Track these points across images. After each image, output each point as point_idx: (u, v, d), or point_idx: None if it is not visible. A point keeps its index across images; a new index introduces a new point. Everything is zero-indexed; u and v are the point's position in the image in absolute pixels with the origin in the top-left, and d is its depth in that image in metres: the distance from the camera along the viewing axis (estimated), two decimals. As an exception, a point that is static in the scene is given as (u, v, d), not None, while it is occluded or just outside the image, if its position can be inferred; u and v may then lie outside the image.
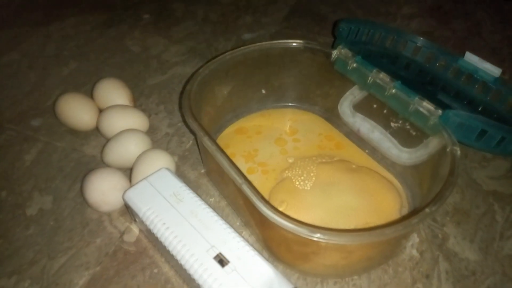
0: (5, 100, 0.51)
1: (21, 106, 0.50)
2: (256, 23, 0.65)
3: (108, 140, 0.43)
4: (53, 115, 0.47)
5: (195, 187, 0.41)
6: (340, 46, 0.42)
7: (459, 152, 0.33)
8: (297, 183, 0.39)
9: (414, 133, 0.39)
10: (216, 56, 0.42)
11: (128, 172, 0.41)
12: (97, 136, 0.46)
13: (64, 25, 0.65)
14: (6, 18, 0.66)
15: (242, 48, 0.43)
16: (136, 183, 0.36)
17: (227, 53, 0.42)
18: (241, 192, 0.30)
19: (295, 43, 0.44)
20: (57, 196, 0.41)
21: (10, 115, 0.49)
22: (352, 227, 0.36)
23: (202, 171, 0.43)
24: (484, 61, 0.47)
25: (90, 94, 0.48)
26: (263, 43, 0.44)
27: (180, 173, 0.43)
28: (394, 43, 0.53)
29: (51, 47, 0.60)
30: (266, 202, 0.28)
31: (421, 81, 0.52)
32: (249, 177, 0.31)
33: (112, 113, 0.45)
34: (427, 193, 0.35)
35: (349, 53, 0.42)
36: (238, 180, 0.30)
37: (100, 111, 0.46)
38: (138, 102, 0.51)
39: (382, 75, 0.40)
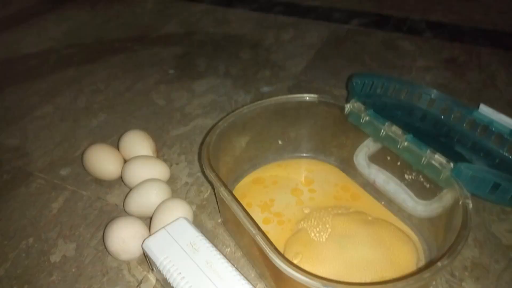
0: (37, 150, 0.55)
1: (51, 156, 0.54)
2: (274, 77, 0.68)
3: (130, 189, 0.45)
4: (81, 165, 0.50)
5: (211, 237, 0.42)
6: (353, 100, 0.44)
7: (471, 205, 0.33)
8: (313, 234, 0.40)
9: (428, 186, 0.40)
10: (235, 109, 0.44)
11: (148, 220, 0.42)
12: (121, 185, 0.48)
13: (95, 79, 0.70)
14: (43, 73, 0.72)
15: (259, 102, 0.46)
16: (155, 232, 0.37)
17: (245, 107, 0.45)
18: (256, 243, 0.31)
19: (309, 97, 0.46)
20: (80, 243, 0.42)
21: (41, 164, 0.52)
22: (367, 280, 0.36)
23: (219, 220, 0.44)
24: (499, 113, 0.48)
25: (116, 145, 0.51)
26: (279, 97, 0.47)
27: (197, 223, 0.44)
28: (408, 95, 0.54)
29: (82, 100, 0.64)
30: (280, 254, 0.29)
31: (437, 133, 0.52)
32: (265, 227, 0.32)
33: (136, 163, 0.47)
34: (442, 246, 0.34)
35: (362, 107, 0.43)
36: (253, 230, 0.31)
37: (125, 161, 0.49)
38: (161, 152, 0.53)
39: (394, 128, 0.41)
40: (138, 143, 0.50)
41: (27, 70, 0.73)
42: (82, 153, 0.50)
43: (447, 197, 0.37)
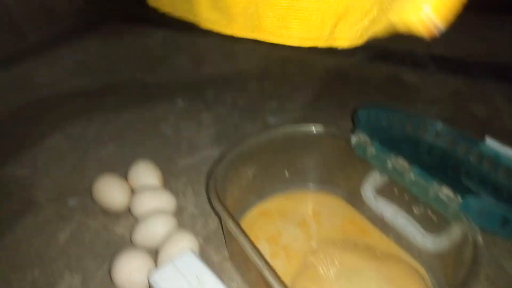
0: (47, 181, 0.55)
1: (60, 186, 0.54)
2: (280, 108, 0.69)
3: (137, 220, 0.45)
4: (89, 195, 0.50)
5: (218, 271, 0.42)
6: (359, 133, 0.45)
7: (481, 240, 0.32)
8: (321, 269, 0.39)
9: (436, 219, 0.39)
10: (242, 140, 0.45)
11: (155, 252, 0.42)
12: (128, 216, 0.48)
13: (105, 110, 0.71)
14: (54, 103, 0.74)
15: (266, 133, 0.46)
16: (161, 265, 0.37)
17: (252, 138, 0.45)
18: (264, 278, 0.31)
19: (316, 128, 0.47)
20: (86, 275, 0.42)
21: (50, 194, 0.53)
22: (377, 317, 0.35)
23: (226, 254, 0.44)
24: (506, 146, 0.48)
25: (125, 175, 0.52)
26: (286, 128, 0.47)
27: (204, 256, 0.43)
28: (414, 128, 0.55)
29: (92, 131, 0.66)
30: (288, 290, 0.29)
31: (444, 166, 0.52)
32: (272, 261, 0.32)
33: (143, 194, 0.47)
34: (453, 282, 0.34)
35: (368, 139, 0.44)
36: (260, 265, 0.31)
37: (133, 191, 0.49)
38: (168, 183, 0.54)
39: (401, 161, 0.41)
40: (146, 174, 0.50)
41: (40, 100, 0.75)
42: (91, 183, 0.50)
43: (456, 231, 0.37)
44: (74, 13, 1.18)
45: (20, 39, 1.02)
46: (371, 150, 0.43)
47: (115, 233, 0.47)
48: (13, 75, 0.86)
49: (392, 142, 0.53)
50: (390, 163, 0.42)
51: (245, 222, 0.46)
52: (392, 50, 0.89)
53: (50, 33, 1.06)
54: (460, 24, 1.04)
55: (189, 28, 1.03)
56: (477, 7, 1.14)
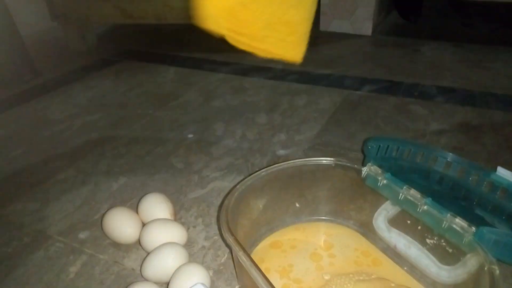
0: (58, 214, 0.55)
1: (71, 219, 0.54)
2: (290, 140, 0.70)
3: (148, 253, 0.45)
4: (100, 228, 0.50)
5: (229, 304, 0.41)
6: (370, 163, 0.45)
7: (498, 271, 0.32)
8: (334, 302, 0.38)
9: (451, 250, 0.39)
10: (252, 173, 0.45)
11: (165, 286, 0.42)
12: (138, 249, 0.48)
13: (117, 144, 0.72)
14: (67, 138, 0.75)
15: (276, 165, 0.47)
16: (172, 299, 0.36)
17: (262, 170, 0.46)
18: (275, 311, 0.30)
19: (326, 160, 0.47)
20: (95, 310, 0.41)
21: (60, 227, 0.53)
22: None
23: (237, 287, 0.43)
24: (518, 175, 0.48)
25: (135, 207, 0.52)
26: (296, 160, 0.48)
27: (215, 289, 0.43)
28: (424, 158, 0.55)
29: (104, 164, 0.66)
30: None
31: (455, 196, 0.52)
32: (284, 295, 0.31)
33: (153, 227, 0.47)
34: (472, 316, 0.33)
35: (379, 170, 0.44)
36: (272, 298, 0.31)
37: (143, 224, 0.49)
38: (178, 215, 0.54)
39: (413, 191, 0.41)
40: (156, 206, 0.51)
41: (53, 135, 0.77)
42: (102, 216, 0.50)
43: (471, 262, 0.36)
44: (88, 51, 1.23)
45: (36, 77, 1.06)
46: (383, 180, 0.43)
47: (125, 267, 0.46)
48: (28, 111, 0.88)
49: (403, 173, 0.53)
50: (402, 193, 0.42)
51: (256, 254, 0.45)
52: (399, 83, 0.91)
53: (64, 70, 1.10)
54: (465, 56, 1.06)
55: (199, 65, 1.06)
56: (480, 40, 1.16)
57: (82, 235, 0.51)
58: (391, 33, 1.29)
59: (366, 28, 1.26)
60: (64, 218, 0.55)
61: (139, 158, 0.67)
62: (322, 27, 1.32)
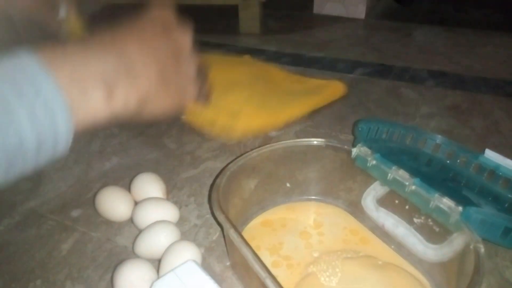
0: (50, 192, 0.56)
1: (64, 198, 0.54)
2: (282, 122, 0.70)
3: (140, 231, 0.45)
4: (92, 206, 0.51)
5: (220, 280, 0.42)
6: (360, 145, 0.45)
7: (483, 250, 0.33)
8: (323, 279, 0.39)
9: (438, 230, 0.40)
10: (244, 153, 0.46)
11: (157, 263, 0.42)
12: (131, 227, 0.49)
13: (109, 124, 0.72)
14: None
15: (268, 145, 0.47)
16: (163, 275, 0.37)
17: (254, 150, 0.46)
18: (265, 287, 0.31)
19: (316, 141, 0.48)
20: (88, 286, 0.42)
21: (53, 206, 0.53)
22: (379, 327, 0.35)
23: (228, 263, 0.44)
24: (505, 158, 0.49)
25: (128, 187, 0.52)
26: (288, 141, 0.48)
27: (206, 265, 0.43)
28: (413, 141, 0.56)
29: (96, 144, 0.66)
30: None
31: (443, 178, 0.53)
32: (274, 271, 0.32)
33: (146, 205, 0.48)
34: (455, 292, 0.34)
35: (369, 151, 0.44)
36: (262, 274, 0.31)
37: (136, 203, 0.49)
38: (171, 194, 0.54)
39: (401, 172, 0.42)
40: (149, 185, 0.51)
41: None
42: (94, 195, 0.50)
43: (457, 241, 0.37)
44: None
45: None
46: (372, 161, 0.44)
47: (117, 244, 0.47)
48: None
49: (392, 154, 0.54)
50: (390, 174, 0.42)
51: (247, 233, 0.46)
52: (390, 66, 0.91)
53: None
54: (456, 41, 1.06)
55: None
56: (472, 24, 1.17)
57: (75, 213, 0.52)
58: (384, 17, 1.28)
59: (360, 11, 1.25)
60: (57, 196, 0.55)
61: (132, 138, 0.67)
62: (316, 10, 1.31)
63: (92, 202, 0.51)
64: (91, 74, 0.28)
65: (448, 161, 0.53)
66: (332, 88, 0.72)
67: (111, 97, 0.30)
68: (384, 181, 0.44)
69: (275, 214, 0.49)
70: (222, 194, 0.40)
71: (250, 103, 0.65)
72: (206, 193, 0.54)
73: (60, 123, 0.26)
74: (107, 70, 0.29)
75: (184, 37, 0.38)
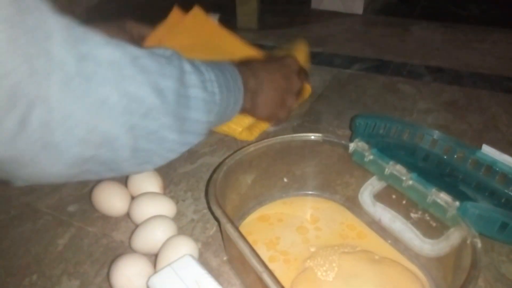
0: (46, 187, 0.55)
1: (60, 193, 0.54)
2: (279, 117, 0.70)
3: (137, 226, 0.45)
4: (89, 201, 0.50)
5: (217, 275, 0.42)
6: (357, 140, 0.45)
7: (479, 244, 0.33)
8: (319, 273, 0.39)
9: (435, 224, 0.40)
10: (241, 148, 0.45)
11: (154, 257, 0.42)
12: (127, 222, 0.49)
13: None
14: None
15: (265, 140, 0.47)
16: (160, 270, 0.37)
17: (251, 145, 0.46)
18: (263, 282, 0.31)
19: (314, 136, 0.48)
20: (84, 280, 0.42)
21: (49, 201, 0.53)
22: (376, 321, 0.35)
23: (224, 258, 0.44)
24: (502, 153, 0.49)
25: (124, 182, 0.52)
26: (285, 136, 0.48)
27: (203, 260, 0.43)
28: (411, 136, 0.56)
29: (92, 139, 0.66)
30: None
31: (440, 173, 0.53)
32: (271, 265, 0.32)
33: (142, 200, 0.47)
34: (452, 286, 0.34)
35: (366, 146, 0.44)
36: (259, 268, 0.31)
37: (132, 198, 0.49)
38: (168, 189, 0.54)
39: (399, 167, 0.42)
40: (146, 180, 0.51)
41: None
42: (90, 190, 0.50)
43: (454, 236, 0.37)
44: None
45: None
46: (370, 156, 0.44)
47: (114, 239, 0.47)
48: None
49: (389, 150, 0.54)
50: (387, 169, 0.42)
51: (244, 227, 0.46)
52: (388, 62, 0.91)
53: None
54: (454, 36, 1.06)
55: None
56: (471, 20, 1.16)
57: (71, 208, 0.51)
58: (382, 12, 1.28)
59: (358, 6, 1.25)
60: (53, 191, 0.54)
61: (127, 133, 0.67)
62: (314, 5, 1.30)
63: (88, 197, 0.51)
64: (249, 84, 0.51)
65: (445, 157, 0.53)
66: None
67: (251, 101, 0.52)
68: (381, 176, 0.44)
69: (272, 209, 0.49)
70: (219, 189, 0.40)
71: None
72: (203, 188, 0.54)
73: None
74: (252, 84, 0.51)
75: (297, 80, 0.59)
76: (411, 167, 0.42)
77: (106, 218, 0.49)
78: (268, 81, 0.53)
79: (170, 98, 0.35)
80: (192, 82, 0.38)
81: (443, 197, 0.38)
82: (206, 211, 0.50)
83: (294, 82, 0.58)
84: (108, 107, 0.30)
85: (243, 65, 0.51)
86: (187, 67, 0.38)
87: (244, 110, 0.51)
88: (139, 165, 0.38)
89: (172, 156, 0.40)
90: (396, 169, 0.42)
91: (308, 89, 0.73)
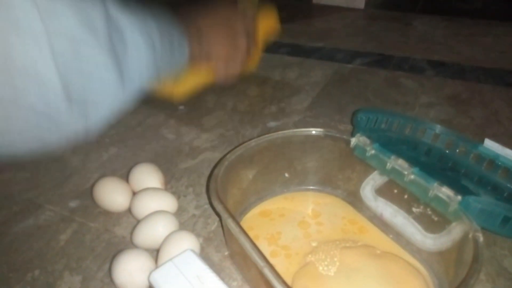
0: (48, 183, 0.55)
1: (61, 188, 0.54)
2: (280, 112, 0.70)
3: (138, 221, 0.45)
4: (90, 197, 0.50)
5: (218, 270, 0.42)
6: (359, 134, 0.45)
7: (481, 238, 0.33)
8: (321, 268, 0.39)
9: (436, 219, 0.40)
10: (242, 143, 0.45)
11: (155, 253, 0.42)
12: (129, 217, 0.49)
13: (106, 115, 0.71)
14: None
15: (266, 135, 0.47)
16: (162, 265, 0.37)
17: (252, 140, 0.46)
18: (264, 276, 0.31)
19: (315, 131, 0.47)
20: (86, 276, 0.42)
21: (51, 196, 0.53)
22: (377, 316, 0.35)
23: (226, 253, 0.44)
24: (504, 147, 0.48)
25: (126, 177, 0.52)
26: (286, 131, 0.48)
27: (204, 255, 0.43)
28: (413, 130, 0.55)
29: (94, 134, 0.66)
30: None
31: (442, 167, 0.53)
32: (272, 260, 0.32)
33: (144, 195, 0.47)
34: (453, 280, 0.34)
35: (367, 141, 0.44)
36: (260, 263, 0.31)
37: (134, 193, 0.49)
38: (169, 185, 0.54)
39: (400, 161, 0.41)
40: (147, 176, 0.51)
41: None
42: (92, 186, 0.50)
43: (456, 230, 0.37)
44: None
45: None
46: (371, 151, 0.44)
47: (115, 234, 0.47)
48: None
49: (391, 144, 0.54)
50: (389, 163, 0.42)
51: (245, 222, 0.46)
52: (390, 56, 0.90)
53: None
54: (457, 30, 1.05)
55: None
56: (473, 14, 1.16)
57: (73, 204, 0.51)
58: (383, 7, 1.27)
59: (359, 1, 1.24)
60: (54, 187, 0.55)
61: (130, 129, 0.67)
62: (315, -1, 1.30)
63: (90, 193, 0.51)
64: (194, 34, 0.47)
65: (447, 151, 0.53)
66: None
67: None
68: (383, 171, 0.44)
69: (274, 204, 0.49)
70: (221, 184, 0.40)
71: None
72: (204, 183, 0.54)
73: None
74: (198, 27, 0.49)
75: (241, 24, 0.57)
76: (413, 161, 0.41)
77: (107, 214, 0.50)
78: (213, 31, 0.51)
79: (100, 30, 0.30)
80: (123, 16, 0.33)
81: (445, 192, 0.38)
82: (207, 206, 0.50)
83: (240, 41, 0.55)
84: (30, 33, 0.26)
85: (186, 15, 0.48)
86: (113, 5, 0.33)
87: (194, 56, 0.47)
88: (82, 117, 0.31)
89: (119, 105, 0.34)
90: (397, 163, 0.42)
91: (256, 57, 0.66)
